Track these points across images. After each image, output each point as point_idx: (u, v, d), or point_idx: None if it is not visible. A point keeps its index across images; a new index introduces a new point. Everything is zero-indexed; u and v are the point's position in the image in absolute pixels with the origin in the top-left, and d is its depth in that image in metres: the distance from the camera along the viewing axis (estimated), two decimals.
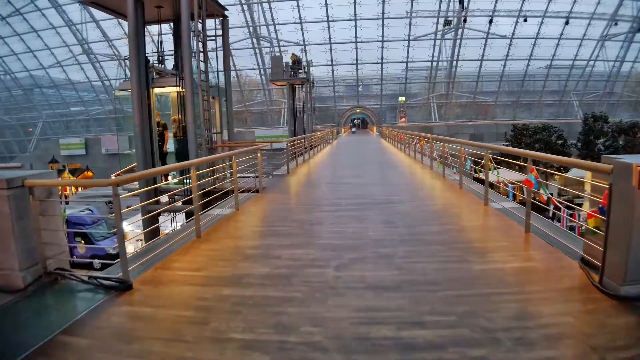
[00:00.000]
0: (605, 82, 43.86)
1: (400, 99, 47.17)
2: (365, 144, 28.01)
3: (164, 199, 10.48)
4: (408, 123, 45.33)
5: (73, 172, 34.92)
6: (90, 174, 36.75)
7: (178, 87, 10.09)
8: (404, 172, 11.48)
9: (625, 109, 43.39)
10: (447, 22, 41.07)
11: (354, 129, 54.17)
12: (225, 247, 4.89)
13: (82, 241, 21.45)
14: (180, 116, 10.33)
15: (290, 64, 27.52)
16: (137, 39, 10.18)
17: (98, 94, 49.83)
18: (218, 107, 11.87)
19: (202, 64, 10.12)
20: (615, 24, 40.08)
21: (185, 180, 9.37)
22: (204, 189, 8.51)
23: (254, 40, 45.36)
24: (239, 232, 5.63)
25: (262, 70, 46.03)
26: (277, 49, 43.91)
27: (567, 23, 39.34)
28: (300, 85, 27.95)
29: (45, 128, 50.95)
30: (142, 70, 10.20)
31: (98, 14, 40.67)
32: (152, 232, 8.48)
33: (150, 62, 10.73)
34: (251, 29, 44.88)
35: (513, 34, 41.48)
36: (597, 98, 44.79)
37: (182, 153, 10.40)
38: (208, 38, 10.85)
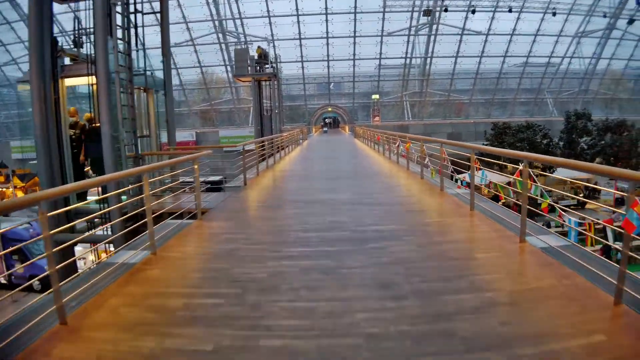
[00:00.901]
0: (582, 79, 43.35)
1: (373, 96, 45.43)
2: (338, 145, 25.81)
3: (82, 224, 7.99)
4: (382, 122, 43.61)
5: (22, 177, 31.16)
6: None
7: (93, 77, 7.55)
8: (390, 183, 9.21)
9: (599, 107, 42.96)
10: (427, 12, 39.30)
11: (325, 128, 52.05)
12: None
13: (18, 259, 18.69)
14: (92, 114, 7.80)
15: (256, 58, 25.08)
16: (40, 12, 7.62)
17: None
18: (152, 103, 9.34)
19: (121, 44, 7.59)
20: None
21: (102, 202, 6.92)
22: (125, 212, 6.15)
23: (220, 35, 42.57)
24: (132, 313, 3.17)
25: (228, 67, 43.26)
26: (244, 44, 41.30)
27: (554, 14, 38.05)
28: (267, 82, 25.52)
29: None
30: (45, 55, 7.65)
31: None
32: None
33: (60, 45, 8.13)
34: (216, 22, 42.10)
35: (489, 30, 40.32)
36: (572, 96, 44.28)
37: (96, 164, 7.88)
38: (140, 12, 8.36)
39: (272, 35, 41.87)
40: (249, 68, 24.54)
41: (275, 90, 25.41)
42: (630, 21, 38.14)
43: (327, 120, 56.52)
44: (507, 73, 43.72)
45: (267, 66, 25.49)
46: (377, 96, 45.42)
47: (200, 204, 6.03)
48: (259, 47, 25.76)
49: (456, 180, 7.64)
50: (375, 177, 10.46)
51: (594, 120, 26.48)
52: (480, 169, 5.84)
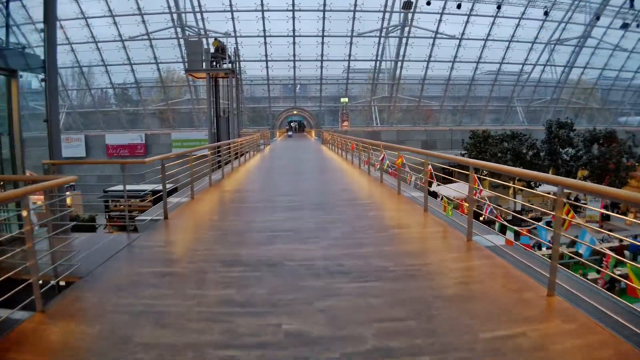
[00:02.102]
0: (554, 87, 42.58)
1: (342, 100, 42.97)
2: (304, 152, 22.86)
3: None
4: (351, 127, 41.27)
5: None
6: None
7: None
8: (385, 220, 6.60)
9: (570, 117, 42.33)
10: (407, 5, 36.85)
11: (290, 132, 49.09)
12: None
13: None
14: None
15: (213, 51, 21.96)
16: None
17: None
18: (15, 90, 6.10)
19: None
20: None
21: None
22: None
23: (178, 30, 38.89)
24: None
25: (186, 64, 39.59)
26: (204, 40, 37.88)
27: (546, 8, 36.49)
28: (225, 79, 22.43)
29: None
30: None
31: None
32: None
33: None
34: (175, 16, 38.44)
35: (462, 34, 38.73)
36: (544, 104, 43.49)
37: None
38: None
39: (234, 31, 38.62)
40: (204, 63, 21.38)
41: (233, 88, 22.32)
42: (624, 25, 37.47)
43: (292, 124, 53.80)
44: (479, 80, 42.36)
45: (224, 61, 22.43)
46: (346, 100, 43.00)
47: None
48: (215, 39, 22.67)
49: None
50: (358, 206, 7.47)
51: (576, 130, 24.96)
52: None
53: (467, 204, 5.09)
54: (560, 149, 24.54)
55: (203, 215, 7.00)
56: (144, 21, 37.96)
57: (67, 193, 25.68)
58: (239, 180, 11.26)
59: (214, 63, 21.65)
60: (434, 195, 7.90)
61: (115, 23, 37.77)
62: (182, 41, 38.84)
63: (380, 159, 9.32)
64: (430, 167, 6.26)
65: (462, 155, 25.17)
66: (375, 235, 5.50)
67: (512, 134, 24.00)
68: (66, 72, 40.55)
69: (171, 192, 9.29)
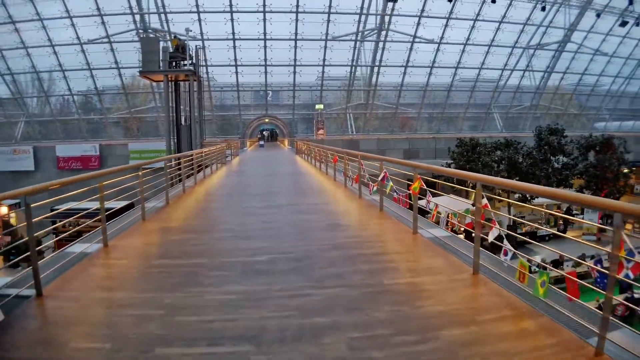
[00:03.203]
0: (533, 93, 41.66)
1: (317, 106, 40.87)
2: (277, 164, 20.24)
3: None
4: (327, 135, 39.11)
5: None
6: None
7: None
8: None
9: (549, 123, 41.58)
10: None
11: (262, 142, 46.25)
12: None
13: None
14: None
15: (171, 50, 19.28)
16: None
17: None
18: None
19: None
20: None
21: None
22: None
23: (141, 32, 35.73)
24: None
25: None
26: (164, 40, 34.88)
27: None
28: (186, 82, 19.71)
29: None
30: None
31: None
32: None
33: None
34: (137, 17, 35.39)
35: (441, 38, 37.26)
36: (523, 111, 42.52)
37: None
38: None
39: (201, 33, 35.89)
40: (162, 63, 18.67)
41: (195, 92, 19.61)
42: (623, 23, 36.66)
43: (264, 133, 51.14)
44: (458, 86, 41.00)
45: (184, 63, 19.77)
46: (321, 106, 40.93)
47: None
48: (175, 36, 20.03)
49: None
50: (362, 262, 4.65)
51: (567, 137, 23.41)
52: None
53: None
54: (552, 157, 22.92)
55: (137, 258, 4.49)
56: (103, 22, 34.79)
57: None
58: (188, 210, 8.39)
59: (173, 64, 18.98)
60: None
61: (73, 25, 34.40)
62: None
63: (380, 178, 6.92)
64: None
65: (449, 165, 23.27)
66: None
67: (506, 142, 22.19)
68: (26, 78, 36.87)
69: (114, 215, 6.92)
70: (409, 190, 5.67)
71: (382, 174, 6.74)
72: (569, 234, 19.81)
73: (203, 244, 5.70)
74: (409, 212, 6.49)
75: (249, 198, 9.75)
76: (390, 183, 6.67)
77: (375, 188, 7.64)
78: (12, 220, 22.01)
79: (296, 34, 36.54)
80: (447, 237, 5.36)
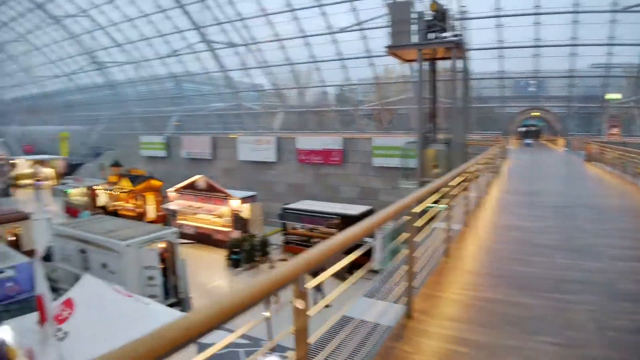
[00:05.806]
0: None
1: (609, 96, 30.07)
2: (576, 184, 12.38)
3: None
4: (623, 137, 27.80)
5: (134, 179, 26.67)
6: (157, 183, 27.82)
7: None
8: None
9: None
10: None
11: (528, 140, 36.11)
12: None
13: None
14: None
15: (428, 18, 14.42)
16: None
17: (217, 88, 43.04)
18: None
19: None
20: None
21: None
22: None
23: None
24: None
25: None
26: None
27: None
28: (446, 60, 14.49)
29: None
30: None
31: None
32: None
33: None
34: None
35: None
36: None
37: None
38: None
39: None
40: (414, 35, 14.02)
41: (459, 74, 14.16)
42: None
43: (532, 129, 41.19)
44: None
45: (444, 35, 14.57)
46: (618, 96, 29.90)
47: None
48: (434, 1, 14.95)
49: None
50: None
51: None
52: None
53: None
54: None
55: None
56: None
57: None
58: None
59: (430, 33, 14.13)
60: None
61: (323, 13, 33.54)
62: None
63: None
64: None
65: None
66: None
67: None
68: (284, 70, 38.38)
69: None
70: None
71: None
72: None
73: None
74: None
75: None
76: None
77: None
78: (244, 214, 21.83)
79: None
80: None
